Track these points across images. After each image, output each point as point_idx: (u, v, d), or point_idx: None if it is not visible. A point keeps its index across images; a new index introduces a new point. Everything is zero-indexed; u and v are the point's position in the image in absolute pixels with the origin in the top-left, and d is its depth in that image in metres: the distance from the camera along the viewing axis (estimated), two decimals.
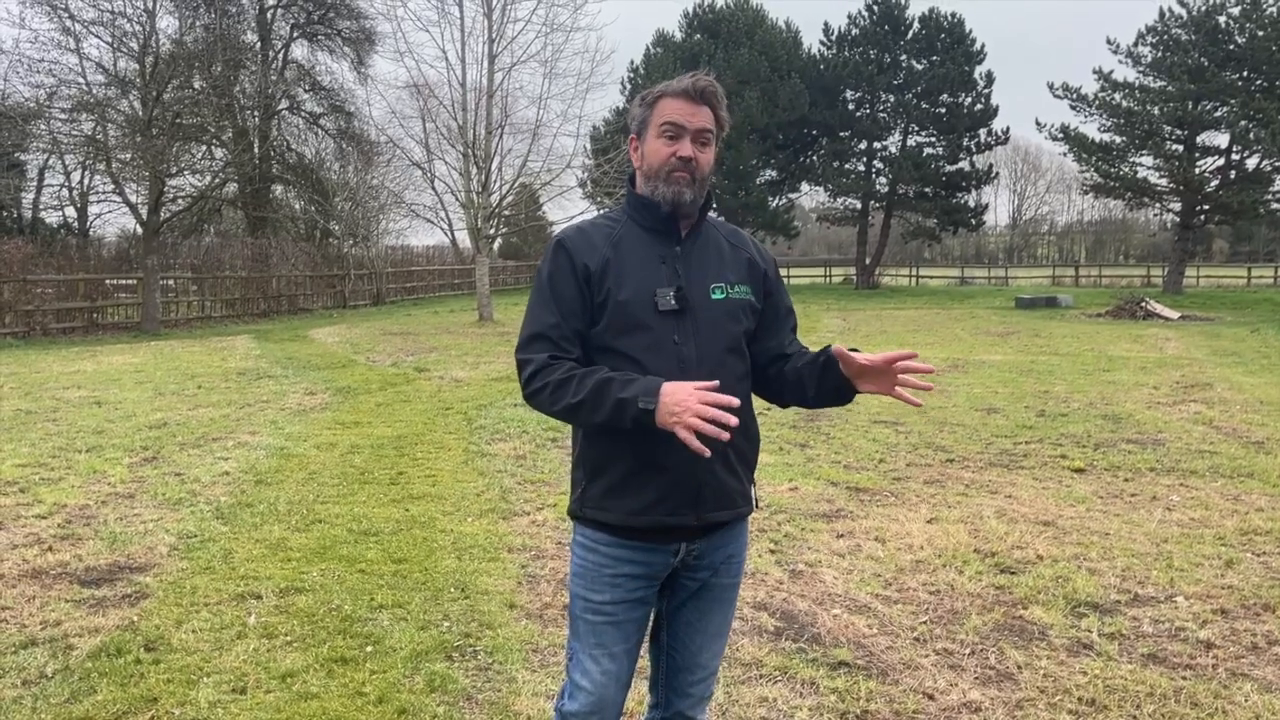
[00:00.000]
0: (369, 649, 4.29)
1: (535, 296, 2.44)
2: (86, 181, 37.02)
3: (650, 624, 2.61)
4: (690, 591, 2.55)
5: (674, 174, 2.39)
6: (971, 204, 46.37)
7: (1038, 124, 51.75)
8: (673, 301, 2.37)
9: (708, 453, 2.17)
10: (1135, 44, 37.56)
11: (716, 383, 2.21)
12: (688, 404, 2.13)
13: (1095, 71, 37.75)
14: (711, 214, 2.59)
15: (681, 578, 2.52)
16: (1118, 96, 37.46)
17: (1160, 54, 37.04)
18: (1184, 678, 4.02)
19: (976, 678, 4.04)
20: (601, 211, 2.67)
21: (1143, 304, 27.14)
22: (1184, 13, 36.74)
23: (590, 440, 2.44)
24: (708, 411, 2.12)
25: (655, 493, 2.37)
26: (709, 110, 2.43)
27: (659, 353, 2.33)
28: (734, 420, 2.13)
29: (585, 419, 2.30)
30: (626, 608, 2.47)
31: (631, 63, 48.15)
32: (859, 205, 47.50)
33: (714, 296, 2.44)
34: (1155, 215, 58.00)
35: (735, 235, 2.62)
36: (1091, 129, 38.86)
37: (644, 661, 2.69)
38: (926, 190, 45.02)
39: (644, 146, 2.46)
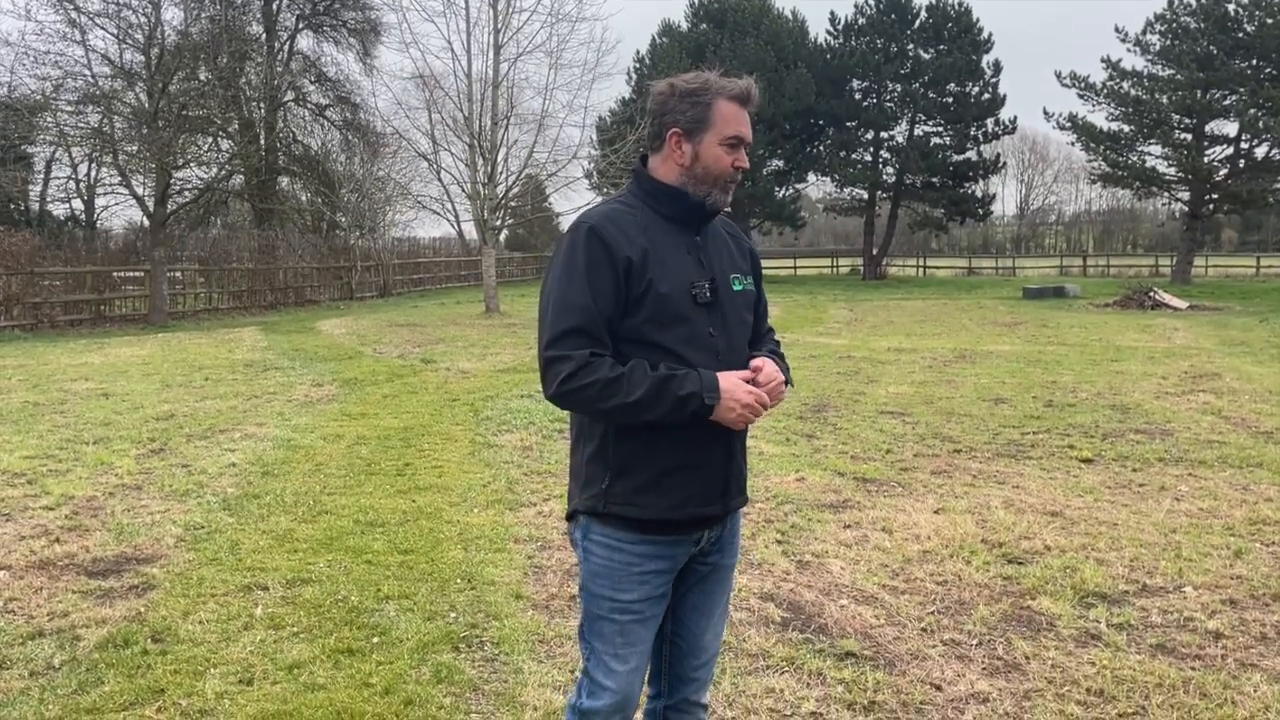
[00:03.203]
0: (376, 640, 4.29)
1: (567, 286, 2.30)
2: (93, 174, 37.12)
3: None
4: (700, 576, 2.57)
5: (730, 183, 2.44)
6: (979, 194, 46.34)
7: (1045, 113, 51.72)
8: (708, 294, 2.38)
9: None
10: (1144, 32, 37.43)
11: (774, 369, 2.37)
12: (743, 400, 2.27)
13: (1103, 60, 37.66)
14: None
15: (694, 564, 2.55)
16: (1126, 85, 37.32)
17: (1169, 42, 36.87)
18: (1193, 668, 4.01)
19: (984, 668, 4.03)
20: (610, 196, 2.64)
21: (1151, 294, 27.05)
22: (1193, 0, 36.54)
23: (620, 437, 2.37)
24: (754, 406, 2.29)
25: (692, 487, 2.39)
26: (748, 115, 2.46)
27: (698, 346, 2.34)
28: (771, 401, 2.35)
29: (637, 416, 2.26)
30: (653, 604, 2.47)
31: (637, 53, 48.11)
32: (866, 195, 47.44)
33: (735, 288, 2.47)
34: (1164, 204, 57.83)
35: (730, 226, 2.65)
36: (1099, 118, 38.55)
37: None
38: (934, 180, 44.92)
39: (698, 149, 2.39)
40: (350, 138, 37.57)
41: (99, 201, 38.84)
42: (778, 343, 2.67)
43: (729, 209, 2.52)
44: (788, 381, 2.47)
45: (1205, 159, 36.79)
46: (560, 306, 2.29)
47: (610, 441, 2.39)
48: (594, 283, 2.29)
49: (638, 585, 2.42)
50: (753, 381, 2.32)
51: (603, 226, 2.34)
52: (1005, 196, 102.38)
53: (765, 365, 2.34)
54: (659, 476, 2.36)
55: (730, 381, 2.27)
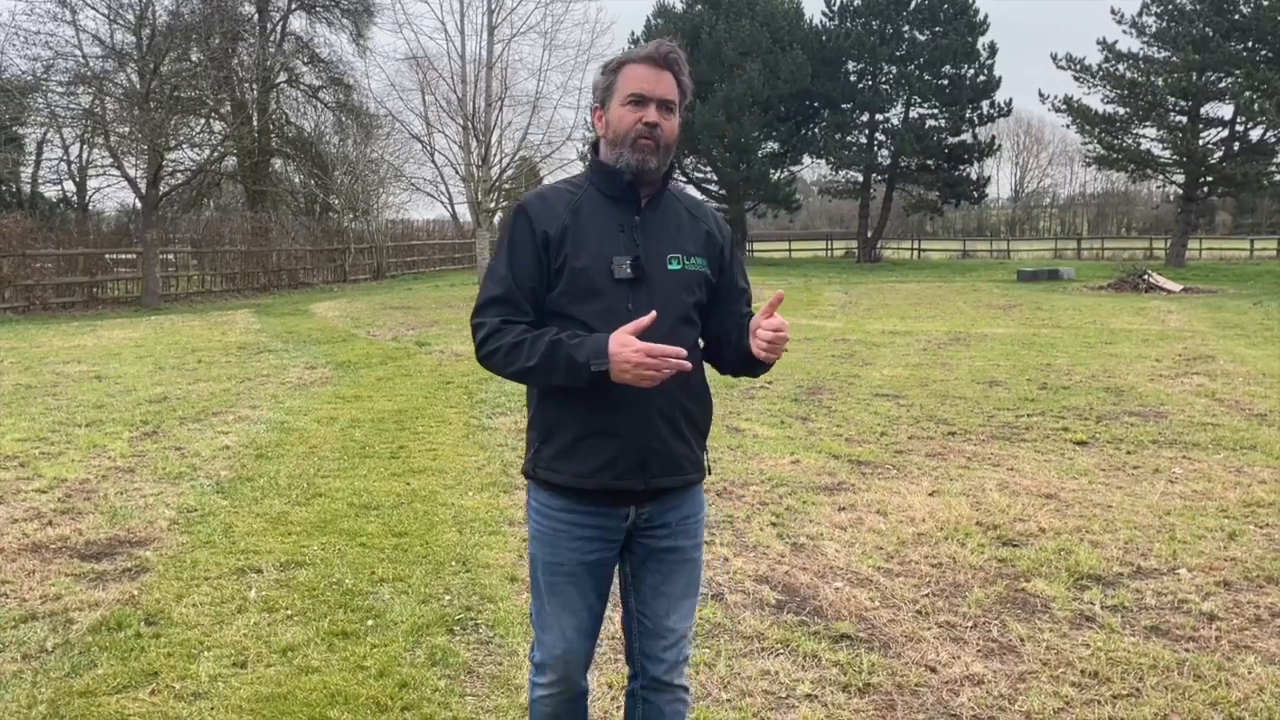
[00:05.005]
0: (370, 623, 4.28)
1: (493, 260, 2.49)
2: (85, 155, 36.80)
3: (614, 581, 2.65)
4: (649, 552, 2.57)
5: (639, 140, 2.41)
6: (974, 176, 46.13)
7: (1041, 95, 51.59)
8: (628, 270, 2.40)
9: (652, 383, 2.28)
10: (1140, 14, 37.23)
11: (653, 315, 2.29)
12: (632, 359, 2.24)
13: (1099, 42, 37.46)
14: (674, 183, 2.60)
15: (638, 540, 2.56)
16: (1121, 67, 37.18)
17: (1165, 24, 36.71)
18: (1187, 650, 4.01)
19: (979, 650, 4.04)
20: (566, 177, 2.70)
21: (1145, 277, 27.06)
22: None
23: (543, 403, 2.50)
24: (649, 363, 2.23)
25: (603, 456, 2.41)
26: (671, 77, 2.45)
27: (612, 320, 2.35)
28: (683, 351, 2.25)
29: (540, 381, 2.39)
30: (584, 568, 2.52)
31: (632, 34, 47.75)
32: (861, 178, 47.28)
33: (670, 267, 2.47)
34: (1158, 187, 57.64)
35: (697, 207, 2.64)
36: (1095, 100, 38.35)
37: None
38: (929, 163, 44.76)
39: (608, 115, 2.48)
40: (343, 119, 37.31)
41: (91, 183, 38.57)
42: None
43: (686, 183, 2.50)
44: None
45: (1200, 142, 36.70)
46: (487, 278, 2.49)
47: (537, 407, 2.52)
48: (515, 255, 2.44)
49: (566, 550, 2.51)
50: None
51: (530, 203, 2.49)
52: (1000, 179, 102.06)
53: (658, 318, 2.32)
54: (574, 442, 2.43)
55: (619, 343, 2.26)
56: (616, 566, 2.61)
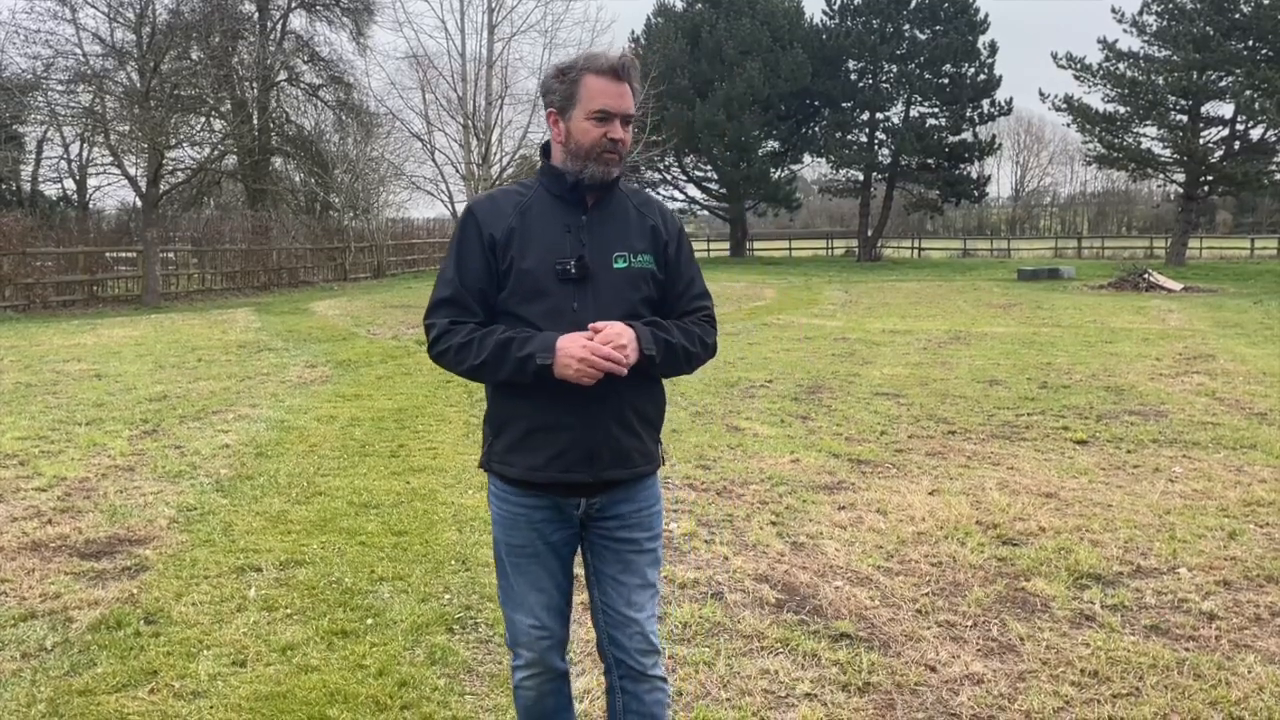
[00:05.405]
0: (369, 621, 4.28)
1: (446, 260, 2.56)
2: (85, 154, 36.76)
3: (573, 560, 2.71)
4: (606, 544, 2.63)
5: (605, 155, 2.49)
6: (974, 175, 46.09)
7: (1041, 94, 51.52)
8: (572, 270, 2.46)
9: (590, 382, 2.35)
10: (1140, 12, 37.20)
11: (617, 329, 2.37)
12: (577, 355, 2.32)
13: (1100, 41, 37.44)
14: (624, 182, 2.65)
15: (594, 531, 2.63)
16: (1122, 66, 37.15)
17: (1165, 23, 36.68)
18: (1187, 649, 4.01)
19: (978, 649, 4.03)
20: (517, 181, 2.76)
21: (1145, 276, 27.05)
22: None
23: (496, 398, 2.58)
24: (591, 360, 2.32)
25: (553, 450, 2.49)
26: (628, 88, 2.50)
27: (558, 320, 2.43)
28: (620, 357, 2.33)
29: (490, 378, 2.47)
30: (546, 546, 2.62)
31: (632, 33, 47.80)
32: (861, 177, 47.24)
33: (616, 265, 2.53)
34: (1159, 186, 57.52)
35: (645, 204, 2.68)
36: (1095, 99, 38.32)
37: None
38: (929, 161, 44.71)
39: (569, 125, 2.51)
40: (344, 118, 37.27)
41: (91, 182, 38.53)
42: (706, 319, 2.64)
43: (622, 179, 2.59)
44: (661, 350, 2.45)
45: (1200, 141, 36.68)
46: (438, 280, 2.56)
47: (491, 402, 2.63)
48: (463, 259, 2.52)
49: (525, 532, 2.61)
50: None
51: (479, 206, 2.58)
52: (1000, 178, 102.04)
53: (606, 326, 2.39)
54: (525, 436, 2.52)
55: (567, 340, 2.35)
56: (579, 548, 2.69)
